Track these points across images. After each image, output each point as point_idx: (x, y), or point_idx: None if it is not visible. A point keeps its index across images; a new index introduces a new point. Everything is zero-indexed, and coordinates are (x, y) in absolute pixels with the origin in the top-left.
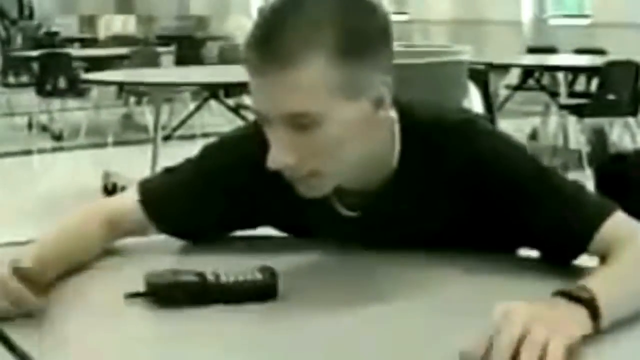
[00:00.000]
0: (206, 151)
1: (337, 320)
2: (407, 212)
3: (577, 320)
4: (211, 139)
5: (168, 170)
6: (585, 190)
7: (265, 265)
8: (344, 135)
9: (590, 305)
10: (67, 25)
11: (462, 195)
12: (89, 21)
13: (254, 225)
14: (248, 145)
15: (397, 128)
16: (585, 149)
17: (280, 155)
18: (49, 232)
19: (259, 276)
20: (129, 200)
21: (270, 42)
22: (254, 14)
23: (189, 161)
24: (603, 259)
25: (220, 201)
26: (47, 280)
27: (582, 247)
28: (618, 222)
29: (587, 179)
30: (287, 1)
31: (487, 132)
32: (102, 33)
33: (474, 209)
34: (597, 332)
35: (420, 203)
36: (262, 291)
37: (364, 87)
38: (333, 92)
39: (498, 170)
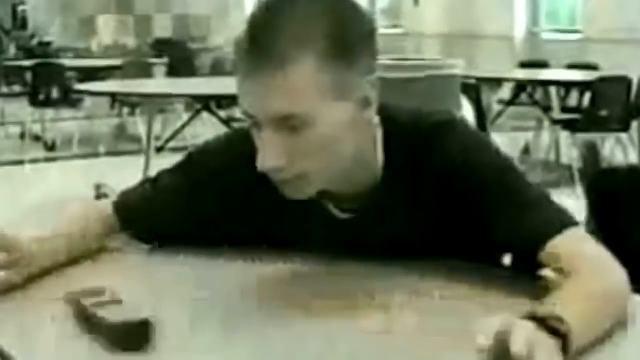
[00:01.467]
0: (191, 157)
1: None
2: (396, 213)
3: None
4: None
5: (146, 180)
6: (549, 199)
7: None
8: (333, 136)
9: (565, 339)
10: (59, 35)
11: (441, 197)
12: (84, 28)
13: (242, 232)
14: (238, 151)
15: (379, 131)
16: (577, 165)
17: (270, 158)
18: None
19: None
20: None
21: (261, 44)
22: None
23: (170, 169)
24: (556, 271)
25: (205, 208)
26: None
27: (533, 255)
28: (573, 237)
29: (578, 196)
30: (277, 3)
31: (462, 134)
32: (97, 40)
33: (451, 211)
34: None
35: (408, 204)
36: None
37: (351, 87)
38: (322, 94)
39: (465, 173)
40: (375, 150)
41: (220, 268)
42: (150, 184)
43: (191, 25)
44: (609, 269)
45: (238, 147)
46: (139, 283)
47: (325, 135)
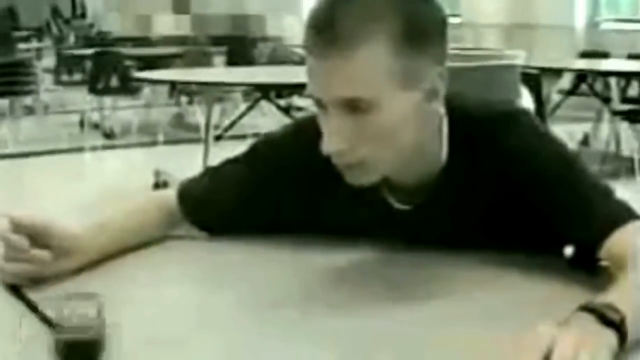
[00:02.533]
0: (256, 148)
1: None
2: (455, 205)
3: (607, 343)
4: None
5: (210, 169)
6: (611, 192)
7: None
8: (397, 123)
9: (620, 328)
10: (118, 24)
11: (502, 188)
12: (142, 20)
13: (302, 224)
14: (300, 142)
15: (445, 121)
16: (637, 156)
17: (333, 140)
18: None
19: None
20: (167, 195)
21: (333, 26)
22: (305, 15)
23: (235, 159)
24: (616, 267)
25: (270, 198)
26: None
27: (594, 247)
28: (633, 231)
29: (638, 186)
30: None
31: (527, 126)
32: (154, 32)
33: (512, 203)
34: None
35: (468, 196)
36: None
37: (420, 76)
38: (391, 79)
39: (528, 165)
40: (440, 141)
41: (279, 256)
42: (214, 173)
43: (247, 24)
44: None
45: (301, 138)
46: (195, 271)
47: (390, 122)
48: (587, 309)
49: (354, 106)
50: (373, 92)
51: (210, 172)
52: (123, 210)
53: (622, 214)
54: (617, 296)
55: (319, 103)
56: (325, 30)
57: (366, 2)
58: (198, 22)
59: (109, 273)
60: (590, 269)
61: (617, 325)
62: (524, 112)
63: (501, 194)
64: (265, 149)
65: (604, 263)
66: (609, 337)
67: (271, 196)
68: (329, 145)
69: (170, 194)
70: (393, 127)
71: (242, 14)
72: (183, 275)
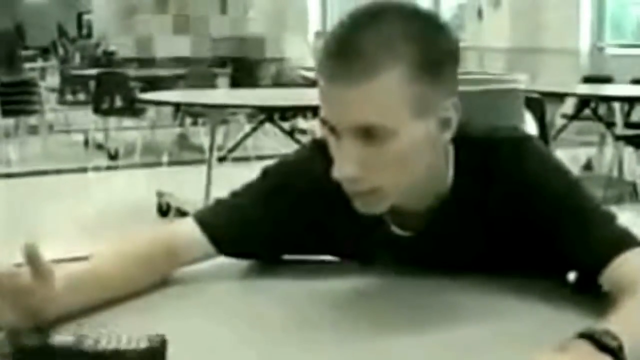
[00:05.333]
0: (267, 173)
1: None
2: (460, 233)
3: None
4: (265, 162)
5: (222, 199)
6: (614, 218)
7: (157, 334)
8: (410, 152)
9: (617, 355)
10: (123, 45)
11: (508, 215)
12: (145, 42)
13: (311, 249)
14: (310, 168)
15: (451, 147)
16: None
17: (345, 167)
18: (105, 252)
19: (143, 345)
20: (188, 228)
21: (351, 53)
22: (311, 37)
23: (248, 185)
24: (617, 293)
25: (281, 224)
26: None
27: (596, 273)
28: (634, 258)
29: None
30: (366, 14)
31: (534, 153)
32: (158, 54)
33: (517, 229)
34: None
35: (472, 223)
36: None
37: (435, 106)
38: (406, 108)
39: (535, 192)
40: (447, 168)
41: (279, 283)
42: (227, 202)
43: (248, 47)
44: None
45: (311, 162)
46: (198, 300)
47: (404, 150)
48: (585, 335)
49: (368, 133)
50: (389, 120)
51: (223, 202)
52: (116, 253)
53: (624, 241)
54: (617, 323)
55: (331, 129)
56: (343, 57)
57: (384, 30)
58: (202, 44)
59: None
60: (594, 295)
61: (615, 352)
62: (529, 138)
63: (505, 220)
64: (276, 172)
65: (605, 289)
66: None
67: (280, 221)
68: (341, 171)
69: (171, 235)
70: (406, 156)
71: (246, 36)
72: (185, 306)
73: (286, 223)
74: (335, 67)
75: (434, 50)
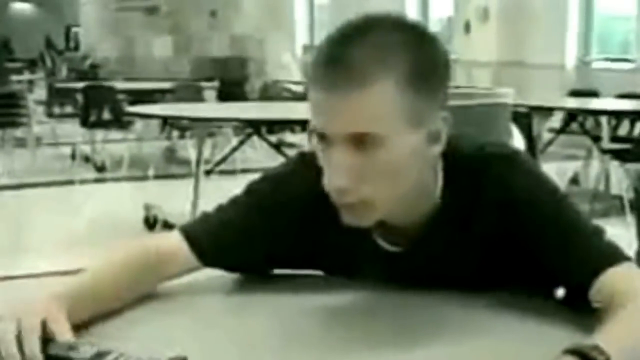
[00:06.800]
0: (253, 187)
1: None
2: (448, 248)
3: None
4: (252, 175)
5: (208, 212)
6: (602, 233)
7: (179, 355)
8: (400, 163)
9: None
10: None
11: (496, 230)
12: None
13: (299, 264)
14: (296, 181)
15: (440, 162)
16: (627, 195)
17: (336, 177)
18: (93, 268)
19: None
20: (174, 241)
21: (346, 60)
22: (298, 52)
23: (234, 200)
24: (605, 308)
25: (268, 238)
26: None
27: (584, 288)
28: (622, 273)
29: (628, 226)
30: (359, 24)
31: (522, 168)
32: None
33: (505, 244)
34: None
35: (461, 239)
36: None
37: (426, 118)
38: (400, 117)
39: (523, 207)
40: (435, 183)
41: (271, 296)
42: (217, 214)
43: (232, 68)
44: None
45: (296, 181)
46: (185, 319)
47: (394, 161)
48: (574, 351)
49: (360, 143)
50: (382, 128)
51: (209, 216)
52: (108, 267)
53: (612, 255)
54: (605, 337)
55: (323, 138)
56: (338, 64)
57: (378, 39)
58: (195, 63)
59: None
60: (581, 310)
61: None
62: (518, 153)
63: (494, 236)
64: (262, 186)
65: (594, 304)
66: None
67: (268, 232)
68: (332, 181)
69: (157, 248)
70: (397, 167)
71: (226, 56)
72: (171, 325)
73: (273, 237)
74: (329, 75)
75: (428, 62)
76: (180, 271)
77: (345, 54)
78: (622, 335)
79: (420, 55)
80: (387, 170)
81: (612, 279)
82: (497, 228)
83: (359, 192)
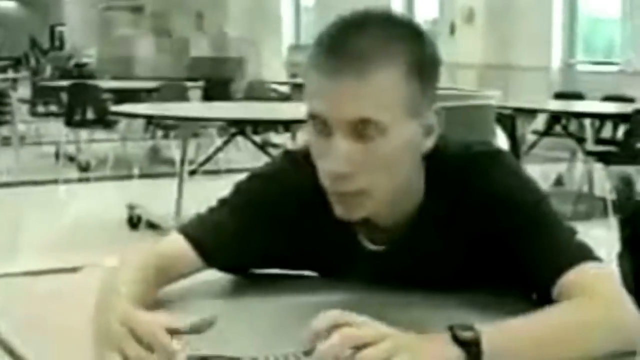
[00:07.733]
0: (242, 187)
1: None
2: (432, 247)
3: (447, 358)
4: (236, 175)
5: (202, 215)
6: (573, 234)
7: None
8: (397, 154)
9: (471, 348)
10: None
11: (477, 229)
12: (122, 61)
13: (292, 263)
14: (282, 180)
15: (423, 162)
16: (610, 197)
17: (336, 163)
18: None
19: None
20: (178, 244)
21: (350, 46)
22: (284, 53)
23: (222, 201)
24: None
25: (262, 236)
26: None
27: (548, 287)
28: (585, 270)
29: (610, 228)
30: (358, 16)
31: (505, 167)
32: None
33: (486, 244)
34: None
35: (444, 238)
36: None
37: (423, 109)
38: (401, 106)
39: (505, 207)
40: (420, 182)
41: (254, 296)
42: (210, 216)
43: (217, 68)
44: (608, 306)
45: (282, 179)
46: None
47: (393, 150)
48: (451, 326)
49: (360, 129)
50: (384, 114)
51: (205, 217)
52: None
53: (580, 253)
54: (507, 324)
55: (322, 124)
56: (341, 49)
57: (380, 29)
58: (180, 63)
59: None
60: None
61: (466, 343)
62: (502, 152)
63: (477, 234)
64: (249, 186)
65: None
66: (452, 353)
67: (258, 232)
68: (333, 167)
69: (159, 253)
70: (395, 157)
71: (219, 57)
72: None
73: (266, 235)
74: (331, 60)
75: (427, 55)
76: (188, 273)
77: (350, 41)
78: (530, 322)
79: (420, 48)
80: (385, 160)
81: (574, 276)
82: (480, 227)
83: (356, 181)
